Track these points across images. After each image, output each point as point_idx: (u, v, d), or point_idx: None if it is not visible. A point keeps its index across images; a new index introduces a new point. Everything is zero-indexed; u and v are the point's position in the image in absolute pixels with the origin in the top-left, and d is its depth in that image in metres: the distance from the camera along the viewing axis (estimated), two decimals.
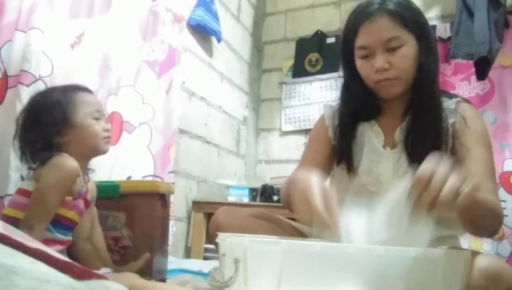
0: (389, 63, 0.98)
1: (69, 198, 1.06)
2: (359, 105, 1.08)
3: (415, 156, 0.99)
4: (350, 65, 1.07)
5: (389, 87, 1.02)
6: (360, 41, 1.01)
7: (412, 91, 1.03)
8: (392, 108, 1.08)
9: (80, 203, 1.11)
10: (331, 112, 1.16)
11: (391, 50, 0.98)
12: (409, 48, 0.99)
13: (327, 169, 1.14)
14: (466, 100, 1.09)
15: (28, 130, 1.08)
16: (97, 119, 1.13)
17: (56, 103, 1.09)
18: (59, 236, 1.06)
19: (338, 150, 1.11)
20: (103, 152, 1.17)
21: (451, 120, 1.02)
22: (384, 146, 1.07)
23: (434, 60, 1.03)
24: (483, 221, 0.85)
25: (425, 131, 1.00)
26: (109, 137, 1.16)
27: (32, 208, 1.00)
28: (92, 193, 1.20)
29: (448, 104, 1.05)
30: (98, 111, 1.14)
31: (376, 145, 1.07)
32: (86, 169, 1.22)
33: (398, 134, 1.06)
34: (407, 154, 1.02)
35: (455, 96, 1.10)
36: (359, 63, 1.03)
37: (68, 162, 1.03)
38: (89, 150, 1.13)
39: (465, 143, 0.98)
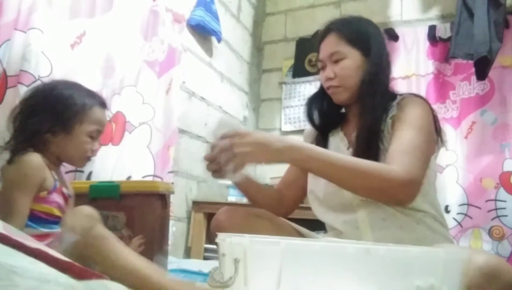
0: (334, 72, 1.15)
1: (43, 193, 1.04)
2: (327, 115, 1.24)
3: (363, 153, 1.07)
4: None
5: (335, 94, 1.17)
6: (319, 56, 1.20)
7: (359, 97, 1.14)
8: (352, 113, 1.21)
9: (58, 197, 1.09)
10: (308, 131, 1.32)
11: (336, 62, 1.15)
12: (350, 61, 1.14)
13: (301, 180, 1.26)
14: (416, 95, 1.17)
15: (31, 115, 1.06)
16: (93, 138, 1.14)
17: (71, 105, 1.08)
18: (45, 230, 1.04)
19: None
20: (78, 167, 1.20)
21: (392, 114, 1.10)
22: (348, 148, 1.17)
23: (379, 71, 1.13)
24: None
25: (367, 130, 1.09)
26: (91, 157, 1.17)
27: (2, 209, 0.98)
28: (70, 191, 1.18)
29: (394, 101, 1.12)
30: (99, 131, 1.15)
31: (342, 148, 1.18)
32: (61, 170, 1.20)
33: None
34: (356, 151, 1.09)
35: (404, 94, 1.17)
36: (320, 75, 1.21)
37: (29, 157, 1.01)
38: (67, 159, 1.15)
39: (396, 128, 1.06)
